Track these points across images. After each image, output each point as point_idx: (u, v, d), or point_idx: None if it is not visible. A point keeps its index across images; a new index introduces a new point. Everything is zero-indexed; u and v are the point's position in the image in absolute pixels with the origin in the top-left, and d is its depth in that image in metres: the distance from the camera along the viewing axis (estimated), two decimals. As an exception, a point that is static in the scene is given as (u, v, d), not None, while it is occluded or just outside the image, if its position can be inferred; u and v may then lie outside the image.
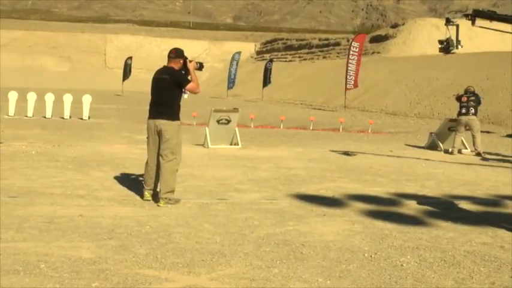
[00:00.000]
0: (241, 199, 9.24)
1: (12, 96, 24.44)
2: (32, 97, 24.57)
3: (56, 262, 5.78)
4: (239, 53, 58.71)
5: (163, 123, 8.75)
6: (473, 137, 16.52)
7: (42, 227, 7.05)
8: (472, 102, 16.62)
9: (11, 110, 24.13)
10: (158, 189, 8.85)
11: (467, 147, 17.03)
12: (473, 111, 16.56)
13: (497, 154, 16.72)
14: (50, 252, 6.10)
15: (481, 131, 17.20)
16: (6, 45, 72.17)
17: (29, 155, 13.41)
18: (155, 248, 6.39)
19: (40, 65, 72.32)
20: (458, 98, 16.92)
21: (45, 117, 23.93)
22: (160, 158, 8.78)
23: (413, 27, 53.30)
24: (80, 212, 7.87)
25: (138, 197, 9.06)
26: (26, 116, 23.85)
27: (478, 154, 16.27)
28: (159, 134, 8.78)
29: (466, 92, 16.91)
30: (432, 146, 17.35)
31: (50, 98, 24.35)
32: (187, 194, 9.49)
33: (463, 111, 16.61)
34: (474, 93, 16.89)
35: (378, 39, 55.83)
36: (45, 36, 76.34)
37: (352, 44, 39.01)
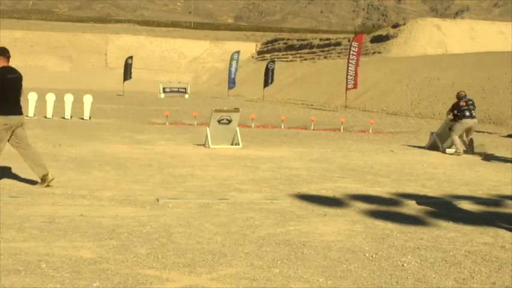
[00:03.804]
0: (242, 199, 9.24)
1: (13, 96, 24.43)
2: (33, 97, 24.58)
3: (56, 262, 5.78)
4: (238, 52, 58.63)
5: (23, 117, 9.87)
6: (469, 137, 16.58)
7: (43, 227, 7.06)
8: (471, 106, 16.66)
9: (12, 110, 24.11)
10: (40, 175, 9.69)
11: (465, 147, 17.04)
12: (474, 114, 16.62)
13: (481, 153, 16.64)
14: (51, 252, 6.11)
15: (482, 131, 17.23)
16: (7, 45, 71.03)
17: (30, 155, 13.39)
18: (156, 248, 6.39)
19: (41, 65, 72.32)
20: (456, 105, 16.84)
21: (46, 117, 23.95)
22: (25, 147, 9.75)
23: (414, 27, 53.25)
24: (81, 212, 7.88)
25: (139, 197, 9.07)
26: (27, 116, 23.82)
27: (472, 151, 16.36)
28: (18, 127, 9.64)
29: (461, 97, 16.88)
30: (433, 146, 17.33)
31: (51, 98, 24.38)
32: (188, 194, 9.50)
33: (467, 114, 16.57)
34: (468, 98, 17.00)
35: (379, 39, 55.76)
36: (46, 36, 76.31)
37: (352, 44, 38.97)
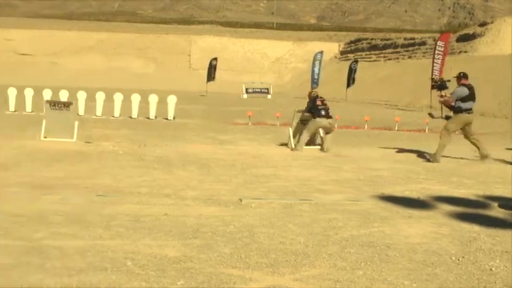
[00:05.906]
0: (325, 200, 9.18)
1: (100, 97, 25.01)
2: (118, 98, 25.06)
3: (142, 260, 5.86)
4: (321, 52, 58.39)
5: None
6: (326, 135, 15.92)
7: (128, 225, 7.17)
8: (327, 105, 16.00)
9: (99, 111, 24.69)
10: None
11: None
12: (330, 113, 16.07)
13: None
14: (137, 250, 6.20)
15: None
16: (93, 47, 73.90)
17: (116, 154, 13.67)
18: (239, 247, 6.41)
19: (125, 66, 73.68)
20: (312, 105, 16.13)
21: (131, 117, 24.39)
22: None
23: (503, 26, 51.94)
24: (166, 211, 7.97)
25: (222, 197, 9.12)
26: (113, 116, 24.36)
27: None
28: None
29: (315, 96, 16.25)
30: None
31: (136, 98, 24.80)
32: (271, 194, 9.50)
33: (323, 113, 15.83)
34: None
35: (465, 38, 54.70)
36: (131, 38, 77.77)
37: (438, 43, 38.29)
